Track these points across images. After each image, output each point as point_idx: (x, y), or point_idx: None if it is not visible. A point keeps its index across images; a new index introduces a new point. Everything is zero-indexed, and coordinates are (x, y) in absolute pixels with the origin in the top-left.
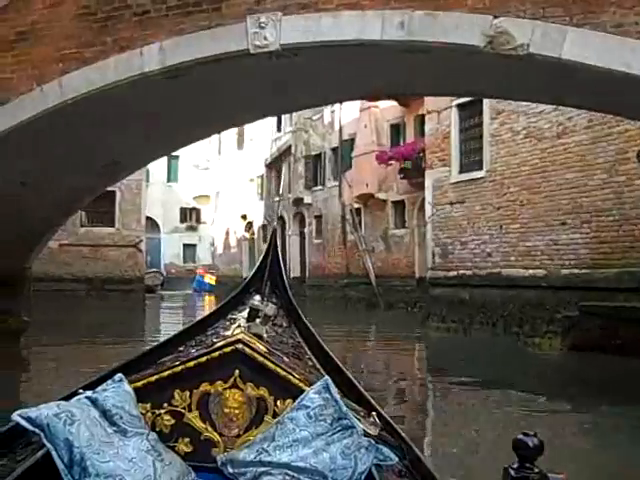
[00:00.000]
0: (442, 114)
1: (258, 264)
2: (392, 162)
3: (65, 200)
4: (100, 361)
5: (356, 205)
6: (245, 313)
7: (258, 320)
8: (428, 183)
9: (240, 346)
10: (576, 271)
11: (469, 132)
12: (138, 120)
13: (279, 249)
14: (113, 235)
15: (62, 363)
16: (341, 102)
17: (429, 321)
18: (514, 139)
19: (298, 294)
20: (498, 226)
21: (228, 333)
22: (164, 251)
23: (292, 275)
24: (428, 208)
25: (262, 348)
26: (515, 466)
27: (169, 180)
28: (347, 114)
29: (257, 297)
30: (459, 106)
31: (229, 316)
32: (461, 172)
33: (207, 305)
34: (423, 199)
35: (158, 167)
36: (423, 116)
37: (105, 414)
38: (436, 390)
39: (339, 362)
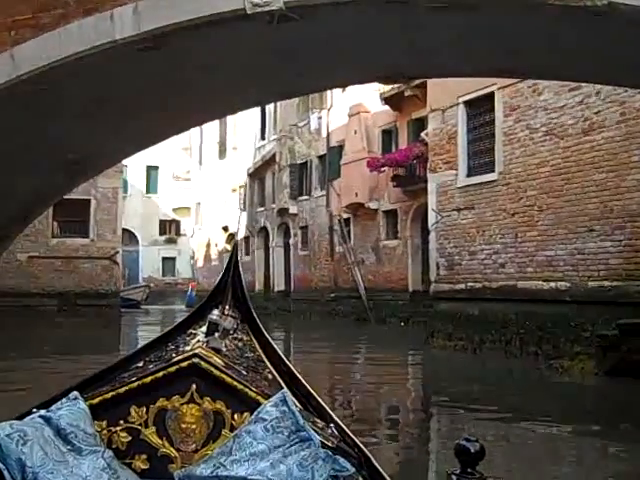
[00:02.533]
0: (447, 112)
1: (220, 278)
2: (384, 169)
3: (23, 202)
4: (66, 381)
5: (345, 215)
6: (205, 328)
7: (217, 334)
8: (431, 188)
9: (197, 360)
10: (606, 283)
11: (478, 131)
12: (108, 103)
13: (240, 262)
14: (87, 246)
15: (25, 384)
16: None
17: (433, 338)
18: (532, 137)
19: (282, 308)
20: (513, 234)
21: (187, 348)
22: (142, 264)
23: (276, 289)
24: (431, 215)
25: (219, 362)
26: (457, 471)
27: (148, 191)
28: (335, 120)
29: (215, 311)
30: (467, 103)
31: (189, 331)
32: (469, 175)
33: None
34: (417, 208)
35: (137, 178)
36: (417, 121)
37: (59, 433)
38: (440, 423)
39: (299, 375)
